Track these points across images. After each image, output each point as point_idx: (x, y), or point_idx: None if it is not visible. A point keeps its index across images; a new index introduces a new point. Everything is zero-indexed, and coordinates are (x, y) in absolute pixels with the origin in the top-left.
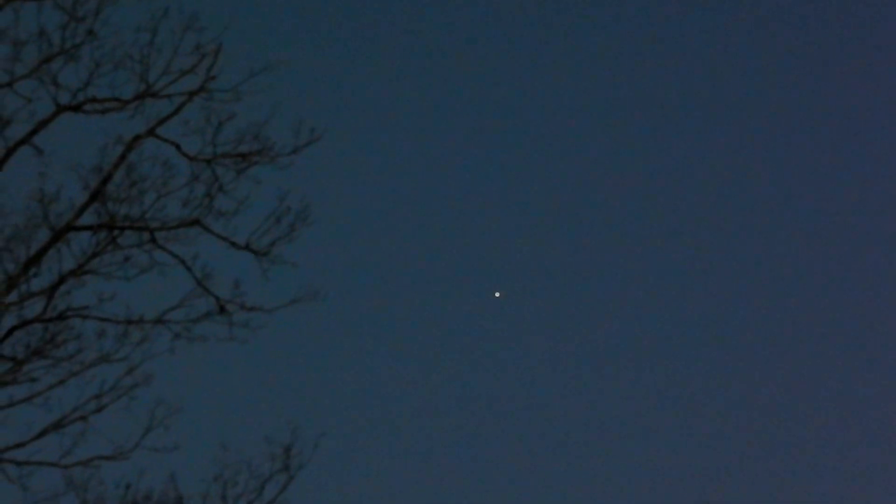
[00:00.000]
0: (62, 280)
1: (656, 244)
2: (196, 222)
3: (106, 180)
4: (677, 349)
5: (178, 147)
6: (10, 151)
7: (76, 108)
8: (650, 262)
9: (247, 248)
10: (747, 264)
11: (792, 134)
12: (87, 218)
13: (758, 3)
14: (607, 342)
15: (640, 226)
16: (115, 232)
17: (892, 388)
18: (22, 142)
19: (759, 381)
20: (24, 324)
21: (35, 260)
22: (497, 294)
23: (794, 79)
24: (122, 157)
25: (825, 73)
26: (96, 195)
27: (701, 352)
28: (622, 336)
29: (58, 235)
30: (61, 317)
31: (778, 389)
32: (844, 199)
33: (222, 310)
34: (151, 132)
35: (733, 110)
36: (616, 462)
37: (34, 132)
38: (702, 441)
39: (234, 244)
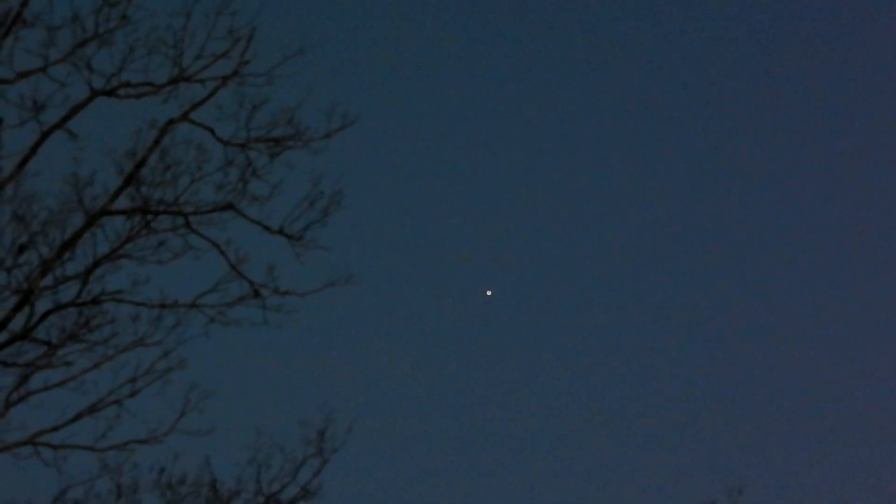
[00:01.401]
0: (96, 264)
1: (649, 240)
2: (230, 207)
3: (140, 165)
4: (670, 344)
5: (211, 131)
6: (44, 136)
7: (110, 93)
8: (642, 259)
9: (280, 232)
10: (741, 259)
11: (792, 134)
12: (122, 202)
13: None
14: (600, 339)
15: (632, 222)
16: (150, 216)
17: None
18: (56, 126)
19: (751, 374)
20: (58, 308)
21: (69, 244)
22: (489, 293)
23: (796, 79)
24: (156, 141)
25: (825, 73)
26: (130, 179)
27: (695, 348)
28: (614, 333)
29: (92, 220)
30: (96, 301)
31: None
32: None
33: (256, 294)
34: (185, 116)
35: (729, 110)
36: (608, 458)
37: (68, 117)
38: (698, 436)
39: (267, 228)
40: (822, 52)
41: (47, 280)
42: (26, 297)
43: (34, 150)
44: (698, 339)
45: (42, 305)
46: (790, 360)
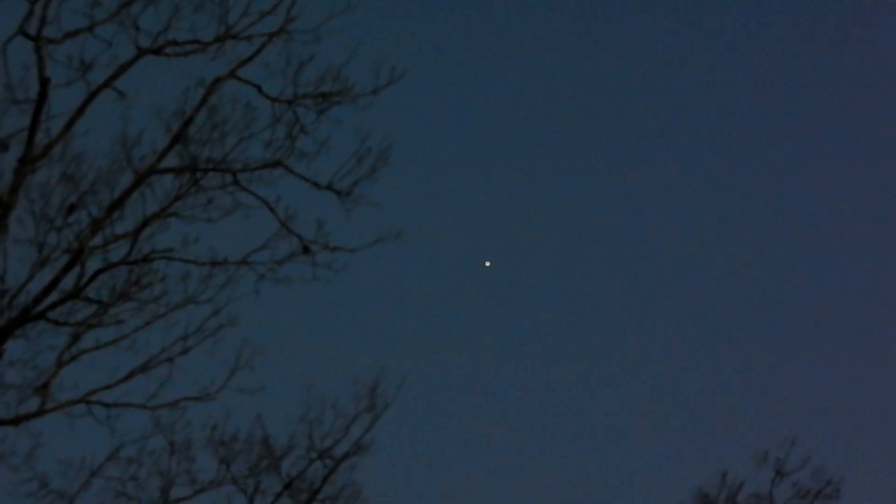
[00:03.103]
0: (146, 223)
1: (650, 213)
2: (278, 163)
3: (188, 123)
4: (671, 319)
5: (259, 89)
6: (92, 95)
7: (157, 52)
8: (643, 230)
9: (329, 188)
10: (742, 239)
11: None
12: (170, 161)
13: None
14: (599, 310)
15: (632, 196)
16: (198, 174)
17: None
18: (104, 86)
19: (803, 326)
20: (109, 267)
21: (119, 203)
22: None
23: (796, 78)
24: (204, 99)
25: (827, 73)
26: (178, 138)
27: (695, 323)
28: (613, 304)
29: (141, 178)
30: (146, 259)
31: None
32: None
33: (306, 250)
34: (232, 74)
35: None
36: (605, 431)
37: (116, 76)
38: (749, 388)
39: (316, 185)
40: (823, 53)
41: (97, 239)
42: (77, 257)
43: (82, 109)
44: (683, 316)
45: (92, 265)
46: (841, 311)
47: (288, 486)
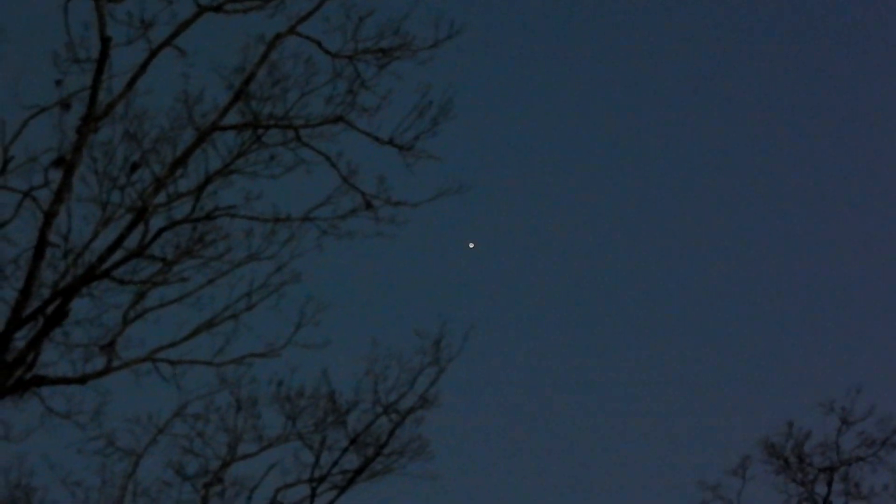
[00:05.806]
0: (209, 180)
1: (633, 192)
2: (340, 119)
3: (249, 80)
4: (737, 272)
5: (319, 44)
6: (153, 53)
7: (217, 9)
8: (625, 210)
9: (391, 142)
10: (809, 189)
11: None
12: (232, 118)
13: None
14: (584, 292)
15: (616, 174)
16: (260, 131)
17: None
18: (165, 44)
19: (869, 274)
20: (172, 224)
21: (181, 161)
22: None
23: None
24: (264, 55)
25: (827, 73)
26: (240, 95)
27: (760, 275)
28: (594, 285)
29: (203, 136)
30: (209, 216)
31: None
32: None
33: (368, 205)
34: (292, 30)
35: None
36: (673, 383)
37: (176, 34)
38: (817, 338)
39: (377, 139)
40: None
41: (161, 197)
42: (140, 215)
43: (143, 68)
44: (805, 240)
45: (156, 223)
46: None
47: (354, 440)
